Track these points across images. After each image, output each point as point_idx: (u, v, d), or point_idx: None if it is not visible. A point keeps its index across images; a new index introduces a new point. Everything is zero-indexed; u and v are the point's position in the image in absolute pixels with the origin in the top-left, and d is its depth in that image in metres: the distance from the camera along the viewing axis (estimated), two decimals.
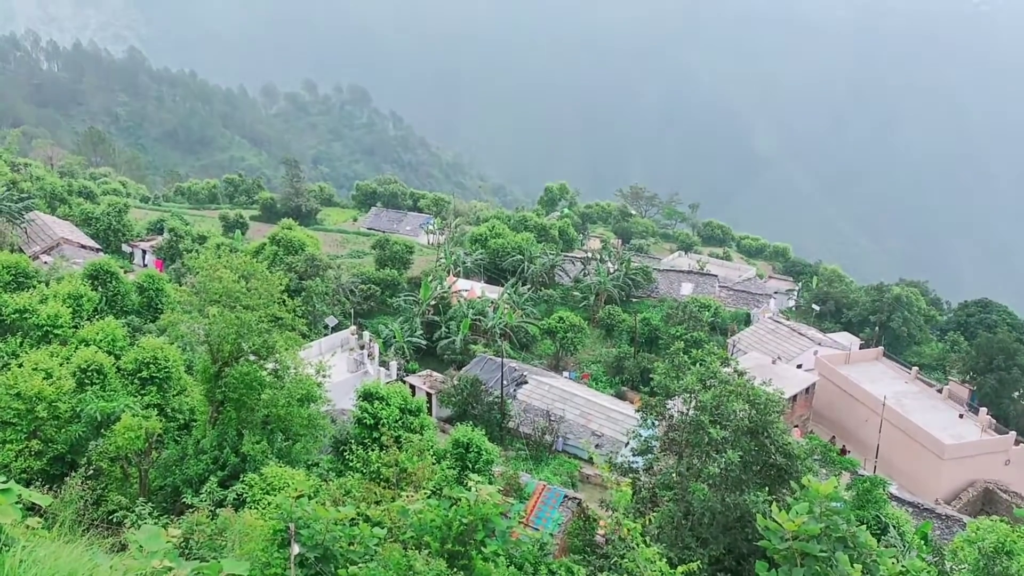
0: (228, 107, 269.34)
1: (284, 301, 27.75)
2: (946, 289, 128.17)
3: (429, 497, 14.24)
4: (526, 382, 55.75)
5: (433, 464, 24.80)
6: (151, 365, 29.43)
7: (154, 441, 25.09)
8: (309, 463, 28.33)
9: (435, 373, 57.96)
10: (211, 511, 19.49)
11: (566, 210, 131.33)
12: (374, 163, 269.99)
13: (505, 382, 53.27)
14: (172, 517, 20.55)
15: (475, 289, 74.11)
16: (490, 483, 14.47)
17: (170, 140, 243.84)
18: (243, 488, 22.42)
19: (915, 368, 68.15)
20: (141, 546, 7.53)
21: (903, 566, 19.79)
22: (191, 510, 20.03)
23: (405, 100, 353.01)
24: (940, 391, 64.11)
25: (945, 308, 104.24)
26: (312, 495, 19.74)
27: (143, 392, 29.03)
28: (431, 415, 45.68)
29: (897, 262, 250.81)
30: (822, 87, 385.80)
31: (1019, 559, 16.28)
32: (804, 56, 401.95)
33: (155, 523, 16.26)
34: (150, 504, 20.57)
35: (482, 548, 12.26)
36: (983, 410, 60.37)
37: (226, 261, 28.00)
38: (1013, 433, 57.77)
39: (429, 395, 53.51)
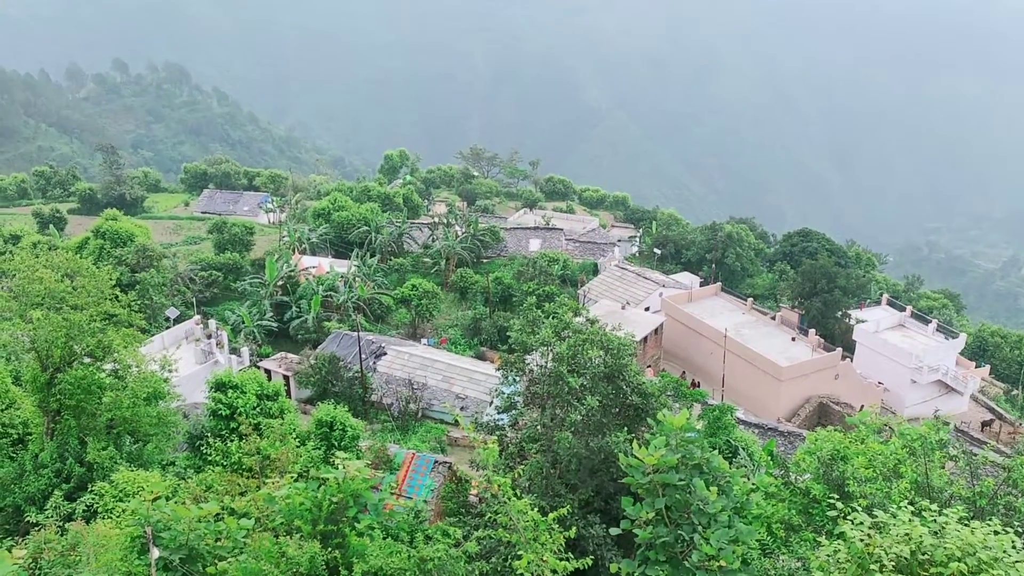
0: (29, 93, 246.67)
1: (116, 297, 26.23)
2: (771, 223, 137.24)
3: (296, 481, 13.94)
4: (385, 353, 55.33)
5: (297, 447, 24.24)
6: None
7: None
8: (164, 463, 27.12)
9: (290, 355, 56.49)
10: (59, 527, 18.30)
11: (408, 177, 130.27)
12: (201, 143, 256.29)
13: (363, 355, 52.65)
14: (16, 539, 19.19)
15: (323, 265, 72.45)
16: (358, 459, 14.34)
17: None
18: (92, 498, 21.16)
19: (750, 299, 72.70)
20: None
21: (753, 483, 21.29)
22: (37, 528, 18.72)
23: (227, 75, 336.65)
24: (773, 318, 68.82)
25: (772, 241, 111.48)
26: (170, 496, 18.88)
27: None
28: (290, 398, 44.60)
29: (726, 202, 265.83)
30: (641, 38, 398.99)
31: (853, 462, 17.85)
32: (621, 7, 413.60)
33: None
34: None
35: (355, 524, 12.18)
36: (812, 331, 65.39)
37: (45, 260, 26.17)
38: (839, 349, 62.94)
39: (286, 378, 52.14)
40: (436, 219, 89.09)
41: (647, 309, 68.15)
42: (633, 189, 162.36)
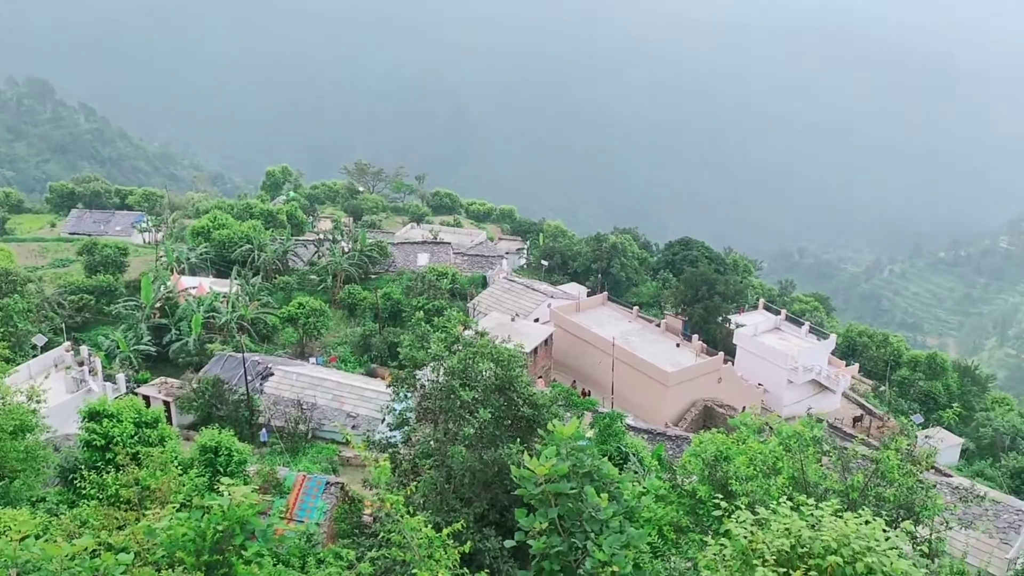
0: None
1: None
2: (654, 233, 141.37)
3: (178, 511, 13.36)
4: (272, 374, 53.80)
5: (179, 476, 23.24)
6: None
7: None
8: (33, 500, 25.46)
9: (170, 380, 54.14)
10: None
11: (292, 193, 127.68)
12: (68, 161, 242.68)
13: (249, 377, 51.06)
14: None
15: (204, 285, 69.91)
16: (245, 484, 13.87)
17: None
18: None
19: (636, 308, 74.60)
20: None
21: (643, 487, 21.82)
22: None
23: (95, 90, 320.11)
24: (659, 325, 70.83)
25: (654, 250, 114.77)
26: (40, 534, 17.74)
27: None
28: (171, 424, 42.74)
29: (611, 213, 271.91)
30: (503, 53, 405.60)
31: (735, 462, 18.56)
32: (492, 21, 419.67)
33: None
34: None
35: (242, 552, 11.76)
36: (695, 337, 67.66)
37: None
38: (721, 354, 65.36)
39: (167, 403, 49.94)
40: (321, 235, 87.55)
41: (536, 320, 68.87)
42: (520, 201, 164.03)
